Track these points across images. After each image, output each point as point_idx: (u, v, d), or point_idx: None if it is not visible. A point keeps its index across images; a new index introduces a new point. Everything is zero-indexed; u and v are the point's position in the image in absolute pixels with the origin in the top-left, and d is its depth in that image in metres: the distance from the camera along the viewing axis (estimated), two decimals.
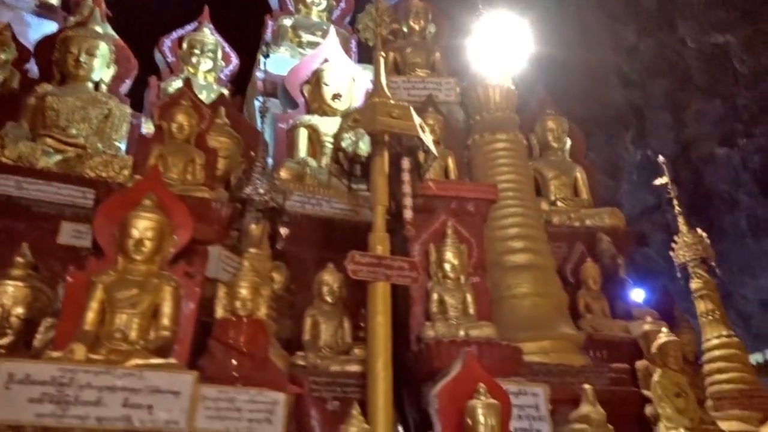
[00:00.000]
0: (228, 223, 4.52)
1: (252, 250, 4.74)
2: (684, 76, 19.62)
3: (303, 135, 7.08)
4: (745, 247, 21.01)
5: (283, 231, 4.98)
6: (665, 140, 19.26)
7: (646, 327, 5.05)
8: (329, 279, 4.99)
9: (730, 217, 20.45)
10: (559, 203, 6.58)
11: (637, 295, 8.18)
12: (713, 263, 5.87)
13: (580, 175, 6.85)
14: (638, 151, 19.90)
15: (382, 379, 4.00)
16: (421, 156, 4.80)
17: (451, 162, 5.86)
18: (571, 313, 5.44)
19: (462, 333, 4.53)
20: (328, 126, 6.94)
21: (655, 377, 4.57)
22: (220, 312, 3.75)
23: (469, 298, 4.76)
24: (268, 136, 7.43)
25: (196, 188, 4.51)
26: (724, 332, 5.42)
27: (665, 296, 6.93)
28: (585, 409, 4.26)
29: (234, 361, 3.46)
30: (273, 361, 3.68)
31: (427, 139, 4.72)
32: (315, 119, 7.17)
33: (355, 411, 3.58)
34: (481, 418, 3.76)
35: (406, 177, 4.38)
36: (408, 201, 4.34)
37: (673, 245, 6.09)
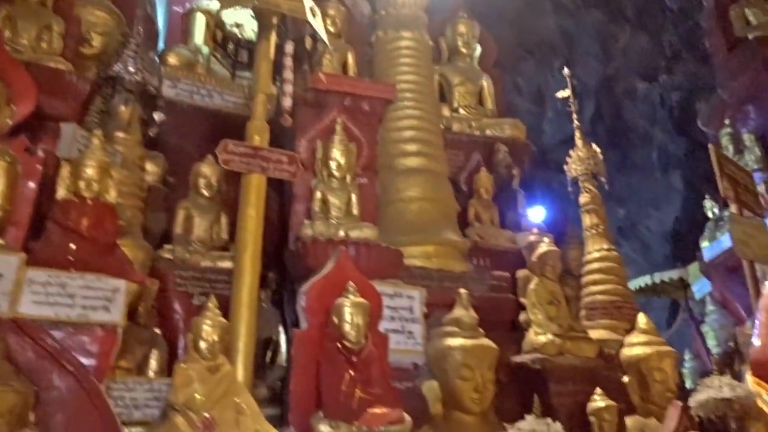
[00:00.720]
0: (87, 101, 4.08)
1: (119, 134, 4.35)
2: (616, 8, 19.55)
3: (200, 21, 6.50)
4: (653, 181, 21.91)
5: (158, 117, 4.58)
6: (592, 71, 19.38)
7: (532, 238, 5.05)
8: (207, 171, 4.68)
9: (642, 151, 21.14)
10: (461, 111, 6.39)
11: (537, 213, 8.29)
12: (603, 179, 5.91)
13: (486, 84, 6.65)
14: (564, 80, 20.02)
15: (248, 273, 3.81)
16: (310, 43, 4.44)
17: (351, 58, 5.52)
18: (461, 221, 5.38)
19: (341, 233, 4.37)
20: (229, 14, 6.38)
21: (531, 285, 4.60)
22: (61, 192, 3.39)
23: (353, 198, 4.58)
24: (162, 20, 6.82)
25: (50, 58, 4.01)
26: (605, 246, 5.52)
27: (563, 215, 7.02)
28: (457, 312, 4.22)
29: (72, 245, 3.15)
30: (120, 249, 3.39)
31: (318, 24, 4.36)
32: (214, 4, 6.58)
33: (212, 304, 3.37)
34: (348, 317, 3.65)
35: (288, 62, 4.04)
36: (288, 88, 4.02)
37: (567, 159, 6.07)
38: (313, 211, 4.50)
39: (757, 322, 4.42)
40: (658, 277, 12.97)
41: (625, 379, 4.70)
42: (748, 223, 4.63)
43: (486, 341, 4.15)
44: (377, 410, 3.50)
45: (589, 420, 4.16)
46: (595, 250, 5.56)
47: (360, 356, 3.65)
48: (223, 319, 3.36)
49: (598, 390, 4.23)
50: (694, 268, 11.53)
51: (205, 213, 4.62)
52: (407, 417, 3.54)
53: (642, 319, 4.99)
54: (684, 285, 12.54)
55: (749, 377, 4.26)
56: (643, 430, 4.36)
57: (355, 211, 4.57)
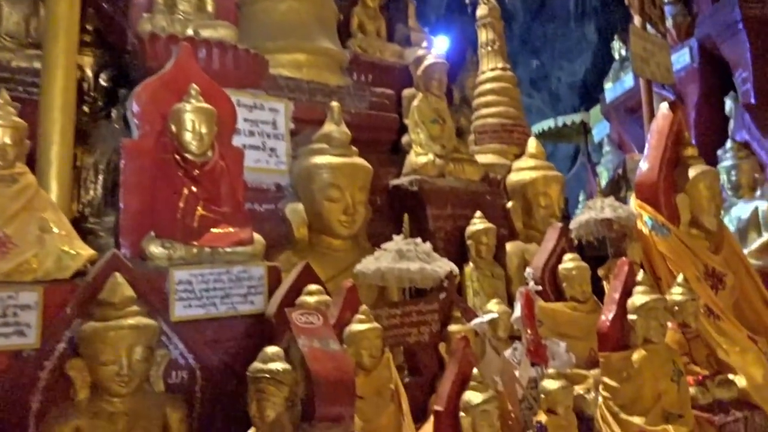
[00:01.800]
0: None
1: None
2: None
3: None
4: (568, 31, 21.64)
5: None
6: None
7: (420, 53, 4.49)
8: None
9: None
10: None
11: (441, 43, 7.69)
12: None
13: None
14: None
15: (60, 68, 3.08)
16: None
17: None
18: (343, 31, 4.71)
19: (189, 31, 3.66)
20: None
21: (415, 102, 4.11)
22: None
23: None
24: None
25: None
26: (500, 65, 5.07)
27: (464, 43, 6.47)
28: (327, 127, 3.73)
29: None
30: None
31: None
32: None
33: (2, 99, 2.67)
34: (188, 124, 3.05)
35: None
36: None
37: None
38: (155, 3, 3.70)
39: (647, 145, 4.20)
40: (561, 120, 12.99)
41: (510, 204, 4.47)
42: (650, 38, 4.26)
43: (358, 160, 3.71)
44: (222, 230, 3.04)
45: (467, 244, 3.91)
46: (489, 69, 5.10)
47: (203, 170, 3.11)
48: (17, 119, 2.68)
49: (478, 213, 3.96)
50: (595, 111, 11.53)
51: (17, 3, 3.71)
52: (259, 239, 3.11)
53: (532, 143, 4.71)
54: (586, 129, 12.62)
55: (633, 200, 4.10)
56: (524, 256, 4.20)
57: (209, 7, 3.83)
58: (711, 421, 3.12)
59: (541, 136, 13.80)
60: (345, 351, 2.57)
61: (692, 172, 3.97)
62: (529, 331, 2.98)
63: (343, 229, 3.64)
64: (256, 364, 2.29)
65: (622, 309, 2.98)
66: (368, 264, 3.12)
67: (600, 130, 11.28)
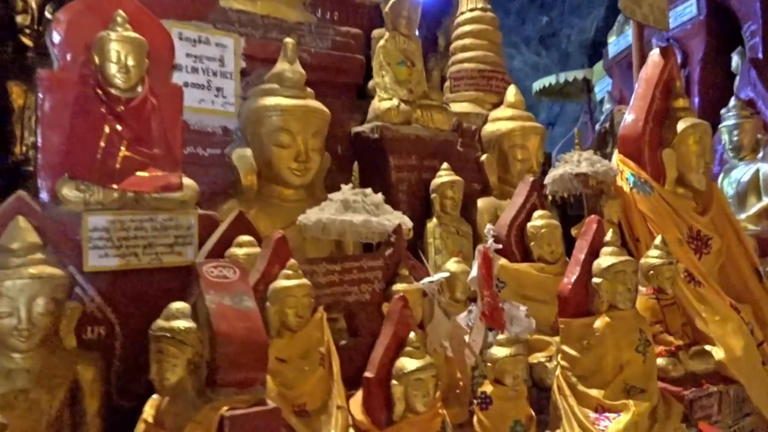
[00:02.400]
0: None
1: None
2: None
3: None
4: None
5: None
6: None
7: None
8: None
9: None
10: None
11: None
12: None
13: None
14: None
15: None
16: None
17: None
18: None
19: None
20: None
21: (381, 42, 3.76)
22: None
23: None
24: None
25: None
26: (480, 5, 4.68)
27: None
28: (280, 66, 3.40)
29: None
30: None
31: None
32: None
33: None
34: (113, 54, 2.74)
35: None
36: None
37: None
38: None
39: (633, 95, 3.86)
40: (563, 77, 12.48)
41: (484, 157, 4.15)
42: None
43: (312, 102, 3.40)
44: (148, 174, 2.75)
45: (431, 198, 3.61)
46: (468, 9, 4.70)
47: (129, 107, 2.80)
48: None
49: (445, 165, 3.65)
50: (598, 67, 11.06)
51: None
52: (190, 184, 2.83)
53: (511, 92, 4.37)
54: (589, 87, 12.15)
55: (616, 155, 3.78)
56: (497, 213, 3.90)
57: None
58: (680, 396, 2.87)
59: (543, 94, 13.34)
60: (268, 309, 2.32)
61: (681, 126, 3.64)
62: (485, 293, 2.71)
63: (295, 178, 3.35)
64: (158, 322, 2.04)
65: (586, 271, 2.71)
66: (311, 215, 2.85)
67: (602, 87, 10.83)
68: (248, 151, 3.37)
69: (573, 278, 2.70)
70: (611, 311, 2.63)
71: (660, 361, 2.97)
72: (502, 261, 3.29)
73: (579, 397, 2.58)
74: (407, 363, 2.21)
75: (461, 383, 2.72)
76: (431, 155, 3.75)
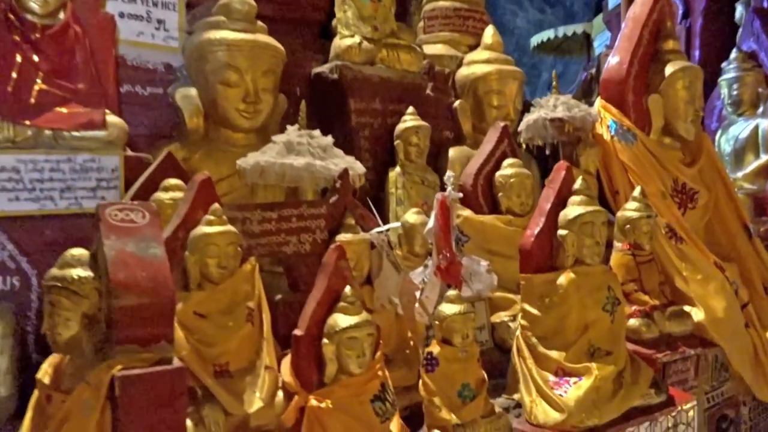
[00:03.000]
0: None
1: None
2: None
3: None
4: None
5: None
6: None
7: None
8: None
9: None
10: None
11: None
12: None
13: None
14: None
15: None
16: None
17: None
18: None
19: None
20: None
21: None
22: None
23: None
24: None
25: None
26: None
27: None
28: None
29: None
30: None
31: None
32: None
33: None
34: None
35: None
36: None
37: None
38: None
39: (619, 36, 3.54)
40: (561, 31, 12.02)
41: (457, 103, 3.86)
42: None
43: (263, 37, 3.10)
44: (67, 110, 2.48)
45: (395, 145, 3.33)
46: None
47: (46, 35, 2.53)
48: None
49: (410, 109, 3.36)
50: (598, 21, 10.60)
51: None
52: (117, 123, 2.56)
53: (489, 33, 4.05)
54: (589, 42, 11.70)
55: (598, 100, 3.49)
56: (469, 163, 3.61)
57: None
58: (653, 359, 2.65)
59: (542, 49, 12.89)
60: (187, 259, 2.08)
61: (669, 69, 3.35)
62: (441, 246, 2.46)
63: (243, 121, 3.07)
64: (52, 270, 1.80)
65: (551, 222, 2.45)
66: (250, 158, 2.58)
67: (602, 41, 10.41)
68: (193, 91, 3.08)
69: (536, 230, 2.44)
70: (577, 266, 2.39)
71: (633, 321, 2.75)
72: (467, 213, 3.04)
73: (538, 359, 2.35)
74: (340, 320, 1.97)
75: (412, 343, 2.49)
76: (397, 99, 3.46)
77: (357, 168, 2.63)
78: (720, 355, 2.90)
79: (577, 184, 2.47)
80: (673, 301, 2.91)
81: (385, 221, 3.28)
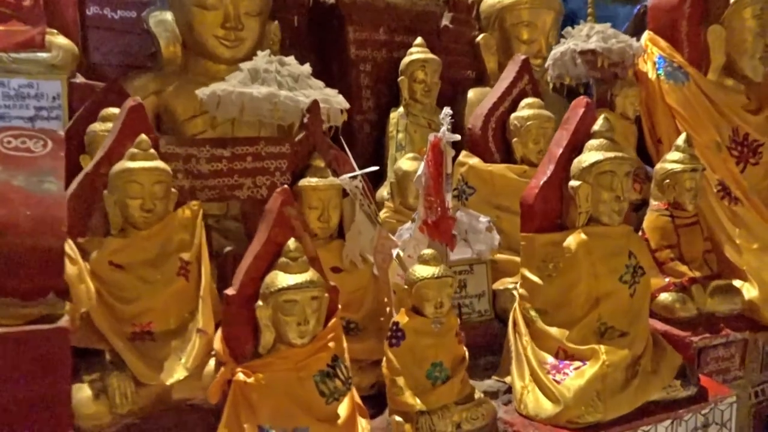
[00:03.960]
0: None
1: None
2: None
3: None
4: None
5: None
6: None
7: None
8: None
9: None
10: None
11: None
12: None
13: None
14: None
15: None
16: None
17: None
18: None
19: None
20: None
21: None
22: None
23: None
24: None
25: None
26: None
27: None
28: None
29: None
30: None
31: None
32: None
33: None
34: None
35: None
36: None
37: None
38: None
39: None
40: None
41: (480, 37, 3.37)
42: None
43: None
44: (4, 27, 2.18)
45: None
46: None
47: None
48: None
49: (419, 40, 2.91)
50: None
51: None
52: (64, 44, 2.24)
53: None
54: None
55: (646, 33, 2.94)
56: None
57: None
58: (686, 343, 2.19)
59: None
60: (106, 199, 1.76)
61: None
62: (431, 196, 2.06)
63: (223, 50, 2.71)
64: None
65: (562, 171, 2.00)
66: (210, 87, 2.23)
67: None
68: (169, 15, 2.74)
69: (543, 179, 2.00)
70: (590, 226, 1.95)
71: (665, 296, 2.29)
72: (475, 161, 2.61)
73: (536, 336, 1.95)
74: (278, 278, 1.62)
75: (387, 309, 2.12)
76: (406, 29, 3.01)
77: (337, 102, 2.24)
78: None
79: (598, 124, 2.00)
80: (718, 274, 2.41)
81: (384, 169, 2.90)
